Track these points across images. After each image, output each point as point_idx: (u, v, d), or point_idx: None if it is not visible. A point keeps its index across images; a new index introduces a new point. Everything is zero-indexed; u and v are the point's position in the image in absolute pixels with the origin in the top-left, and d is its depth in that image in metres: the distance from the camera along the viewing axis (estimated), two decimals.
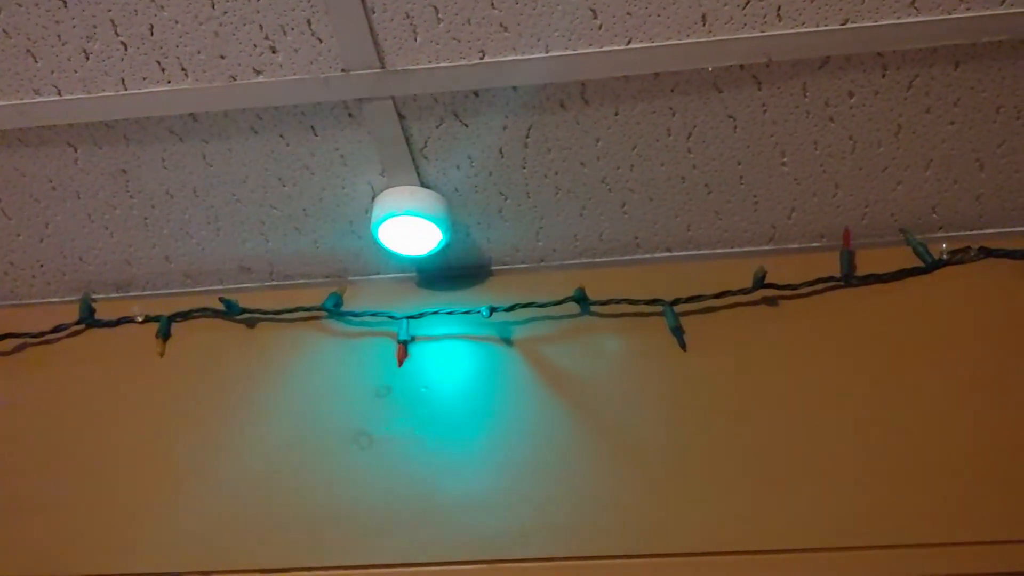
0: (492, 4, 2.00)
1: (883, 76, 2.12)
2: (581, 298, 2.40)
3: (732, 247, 2.47)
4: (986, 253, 2.34)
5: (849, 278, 2.36)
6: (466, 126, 2.22)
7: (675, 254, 2.49)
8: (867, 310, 2.34)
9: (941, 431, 2.15)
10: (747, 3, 1.97)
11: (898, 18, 2.00)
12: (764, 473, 2.16)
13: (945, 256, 2.36)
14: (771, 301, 2.37)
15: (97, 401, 2.47)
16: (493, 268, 2.55)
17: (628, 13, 2.00)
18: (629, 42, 2.04)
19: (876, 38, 2.03)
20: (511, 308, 2.41)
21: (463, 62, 2.08)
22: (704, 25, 2.01)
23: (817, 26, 2.01)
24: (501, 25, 2.02)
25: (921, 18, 1.99)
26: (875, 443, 2.16)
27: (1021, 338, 2.23)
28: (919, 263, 2.36)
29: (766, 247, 2.45)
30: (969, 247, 2.36)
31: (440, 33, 2.04)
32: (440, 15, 2.01)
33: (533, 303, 2.41)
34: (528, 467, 2.23)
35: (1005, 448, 2.11)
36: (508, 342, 2.41)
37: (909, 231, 2.39)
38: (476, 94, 2.16)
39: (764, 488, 2.14)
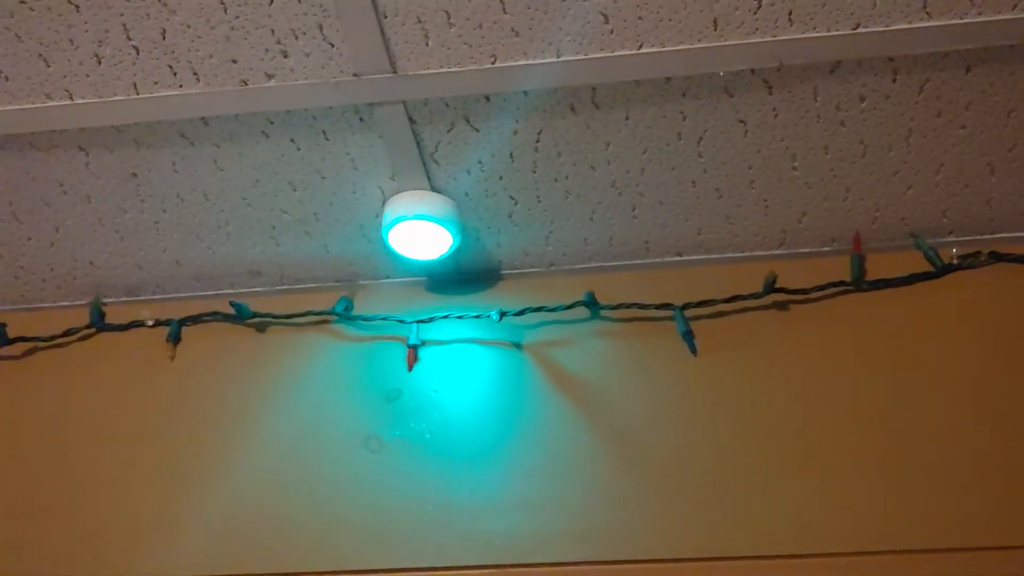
0: (504, 9, 2.00)
1: (894, 80, 2.12)
2: (591, 302, 2.40)
3: (743, 251, 2.47)
4: (996, 257, 2.35)
5: (859, 282, 2.36)
6: (477, 130, 2.22)
7: (685, 258, 2.49)
8: (877, 314, 2.34)
9: (952, 435, 2.16)
10: (759, 8, 1.97)
11: (909, 23, 1.99)
12: (775, 478, 2.16)
13: (955, 260, 2.36)
14: (782, 305, 2.37)
15: (108, 405, 2.48)
16: (503, 272, 2.55)
17: (639, 18, 1.99)
18: (640, 47, 2.04)
19: (887, 42, 2.03)
20: (521, 312, 2.41)
21: (474, 67, 2.08)
22: (715, 30, 2.01)
23: (828, 30, 2.00)
24: (512, 30, 2.02)
25: (932, 23, 1.99)
26: (885, 447, 2.16)
27: None
28: (929, 267, 2.36)
29: (777, 251, 2.45)
30: (979, 251, 2.36)
31: (451, 38, 2.04)
32: (452, 20, 2.01)
33: (543, 307, 2.41)
34: (538, 471, 2.24)
35: (1015, 452, 2.12)
36: (518, 346, 2.41)
37: (919, 235, 2.39)
38: (487, 98, 2.16)
39: (774, 493, 2.14)
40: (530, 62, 2.07)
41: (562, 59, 2.06)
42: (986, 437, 2.14)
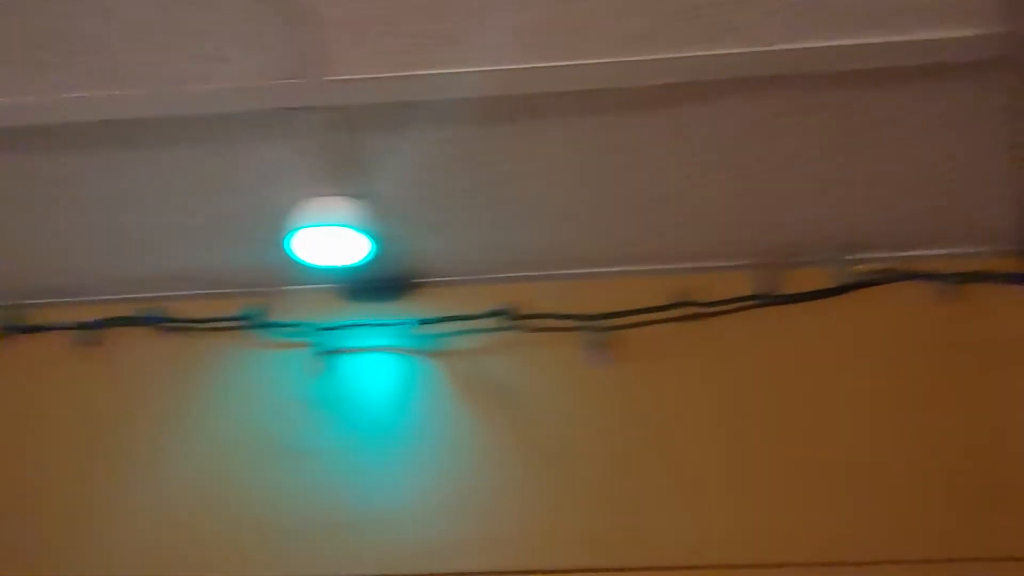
0: (432, 18, 1.99)
1: (811, 97, 2.13)
2: (507, 312, 2.41)
3: (659, 264, 2.48)
4: (903, 275, 2.38)
5: (770, 297, 2.39)
6: (400, 137, 2.21)
7: (603, 270, 2.50)
8: (787, 328, 2.37)
9: (852, 448, 2.21)
10: (681, 23, 1.97)
11: (826, 41, 2.00)
12: (678, 487, 2.20)
13: (863, 277, 2.39)
14: (694, 318, 2.39)
15: (24, 408, 2.46)
16: (422, 280, 2.55)
17: (568, 30, 2.00)
18: (567, 59, 2.04)
19: (803, 60, 2.04)
20: (437, 321, 2.42)
21: (399, 73, 2.07)
22: (638, 44, 2.01)
23: (747, 47, 2.01)
24: (440, 39, 2.02)
25: (846, 41, 2.00)
26: (789, 458, 2.21)
27: (932, 358, 2.28)
28: (839, 283, 2.39)
29: (692, 264, 2.46)
30: (887, 268, 2.39)
31: (378, 44, 2.03)
32: (377, 27, 2.00)
33: (460, 316, 2.41)
34: (450, 480, 2.25)
35: (909, 466, 2.17)
36: (433, 355, 2.42)
37: (830, 251, 2.41)
38: (411, 106, 2.15)
39: (678, 502, 2.18)
40: (456, 71, 2.07)
41: (488, 69, 2.06)
42: (884, 450, 2.19)
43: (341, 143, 2.22)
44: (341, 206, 2.30)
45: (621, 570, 2.12)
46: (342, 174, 2.28)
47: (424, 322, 2.42)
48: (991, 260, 2.34)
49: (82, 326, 2.56)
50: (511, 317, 2.42)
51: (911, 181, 2.29)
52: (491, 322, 2.42)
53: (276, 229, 2.38)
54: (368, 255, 2.36)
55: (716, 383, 2.32)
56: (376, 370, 2.42)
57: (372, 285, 2.54)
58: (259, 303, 2.52)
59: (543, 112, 2.17)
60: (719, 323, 2.39)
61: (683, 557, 2.12)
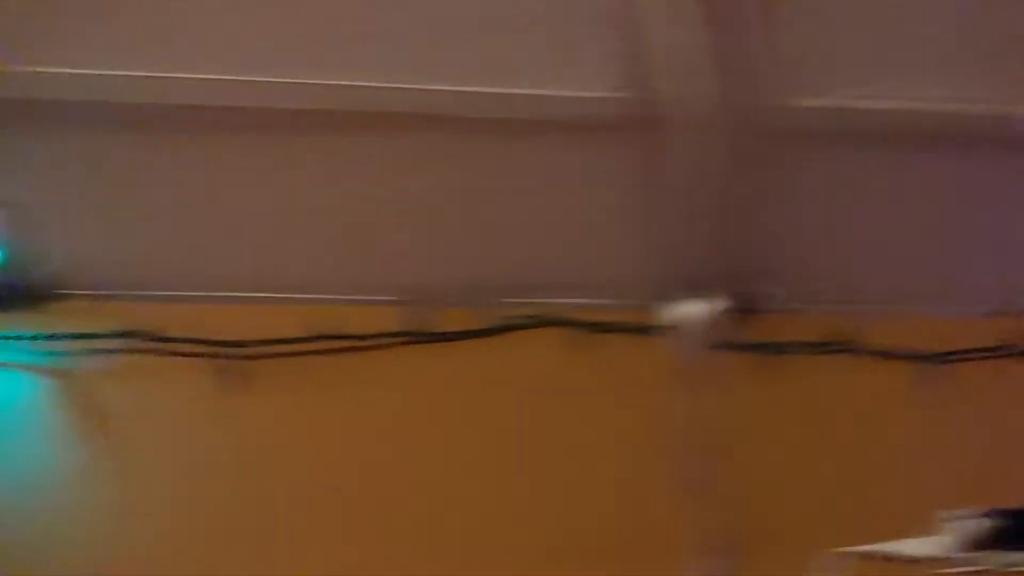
0: (61, 13, 1.86)
1: (465, 140, 2.15)
2: (138, 333, 2.30)
3: (309, 293, 2.43)
4: (543, 321, 2.44)
5: (418, 334, 2.40)
6: (35, 140, 2.08)
7: (251, 295, 2.42)
8: (433, 367, 2.38)
9: (487, 491, 2.25)
10: (334, 53, 1.95)
11: (479, 87, 2.02)
12: (307, 523, 2.18)
13: (508, 321, 2.44)
14: (339, 351, 2.36)
15: None
16: (52, 293, 2.37)
17: (222, 43, 1.93)
18: (217, 73, 1.96)
19: (451, 102, 2.04)
20: (63, 337, 2.28)
21: (31, 69, 1.92)
22: (285, 66, 1.96)
23: (402, 83, 2.00)
24: (82, 35, 1.89)
25: (491, 89, 2.03)
26: (420, 498, 2.24)
27: (562, 404, 2.36)
28: (485, 325, 2.43)
29: (340, 296, 2.43)
30: (531, 314, 2.44)
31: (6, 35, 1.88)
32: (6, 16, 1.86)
33: (88, 334, 2.28)
34: (63, 512, 2.16)
35: (524, 513, 2.23)
36: (55, 373, 2.28)
37: (479, 293, 2.44)
38: (44, 104, 2.00)
39: (303, 538, 2.17)
40: (99, 72, 1.94)
41: (133, 73, 1.95)
42: (512, 495, 2.25)
43: None
44: None
45: None
46: None
47: (48, 338, 2.27)
48: (621, 312, 2.42)
49: None
50: (142, 338, 2.31)
51: (552, 231, 2.35)
52: (120, 342, 2.30)
53: None
54: None
55: (357, 417, 2.31)
56: None
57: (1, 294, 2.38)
58: None
59: (191, 125, 2.09)
60: (365, 358, 2.37)
61: None
